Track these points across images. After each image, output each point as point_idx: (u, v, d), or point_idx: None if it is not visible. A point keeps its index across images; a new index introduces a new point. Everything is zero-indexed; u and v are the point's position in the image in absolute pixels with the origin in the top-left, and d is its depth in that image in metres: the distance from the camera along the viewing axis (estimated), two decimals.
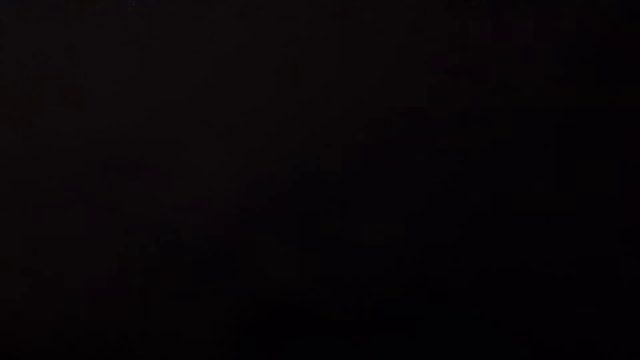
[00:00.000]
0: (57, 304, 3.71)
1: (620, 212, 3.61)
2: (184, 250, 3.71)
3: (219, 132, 3.76)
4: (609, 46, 3.61)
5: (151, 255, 3.71)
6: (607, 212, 3.63)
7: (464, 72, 3.71)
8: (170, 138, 3.76)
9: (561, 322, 3.60)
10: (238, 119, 3.76)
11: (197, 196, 3.72)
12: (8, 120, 3.78)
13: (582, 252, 3.60)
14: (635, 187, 3.57)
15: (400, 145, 3.71)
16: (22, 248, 3.75)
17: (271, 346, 3.64)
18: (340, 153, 3.74)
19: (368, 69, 3.75)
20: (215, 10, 3.78)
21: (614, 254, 3.59)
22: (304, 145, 3.73)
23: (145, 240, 3.71)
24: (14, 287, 3.72)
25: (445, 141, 3.71)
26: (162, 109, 3.78)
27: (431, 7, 3.72)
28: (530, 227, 3.64)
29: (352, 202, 3.71)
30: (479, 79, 3.70)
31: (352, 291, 3.65)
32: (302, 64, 3.76)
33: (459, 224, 3.67)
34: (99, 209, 3.73)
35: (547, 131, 3.69)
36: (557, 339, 3.59)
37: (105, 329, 3.67)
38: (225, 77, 3.79)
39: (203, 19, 3.79)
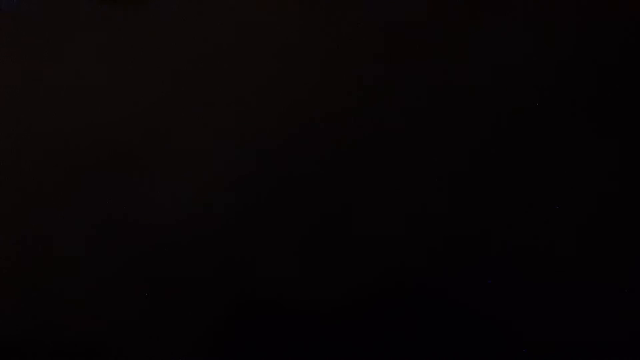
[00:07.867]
0: (48, 303, 3.70)
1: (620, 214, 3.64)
2: (176, 248, 3.70)
3: (214, 131, 3.75)
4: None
5: (144, 253, 3.70)
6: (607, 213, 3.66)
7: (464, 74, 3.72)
8: (165, 137, 3.75)
9: (558, 322, 3.62)
10: (234, 119, 3.75)
11: (190, 195, 3.71)
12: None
13: (581, 253, 3.63)
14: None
15: (396, 146, 3.71)
16: (16, 246, 3.74)
17: (265, 345, 3.64)
18: (335, 152, 3.74)
19: (365, 69, 3.75)
20: (208, 11, 3.77)
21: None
22: (299, 145, 3.72)
23: (137, 239, 3.70)
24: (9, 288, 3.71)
25: (444, 142, 3.71)
26: (156, 108, 3.77)
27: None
28: (528, 228, 3.66)
29: (347, 202, 3.71)
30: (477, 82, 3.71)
31: (347, 290, 3.65)
32: (298, 62, 3.76)
33: (453, 225, 3.68)
34: (91, 209, 3.72)
35: (546, 134, 3.71)
36: (551, 339, 3.61)
37: (94, 326, 3.66)
38: (221, 76, 3.78)
39: (194, 19, 3.78)
